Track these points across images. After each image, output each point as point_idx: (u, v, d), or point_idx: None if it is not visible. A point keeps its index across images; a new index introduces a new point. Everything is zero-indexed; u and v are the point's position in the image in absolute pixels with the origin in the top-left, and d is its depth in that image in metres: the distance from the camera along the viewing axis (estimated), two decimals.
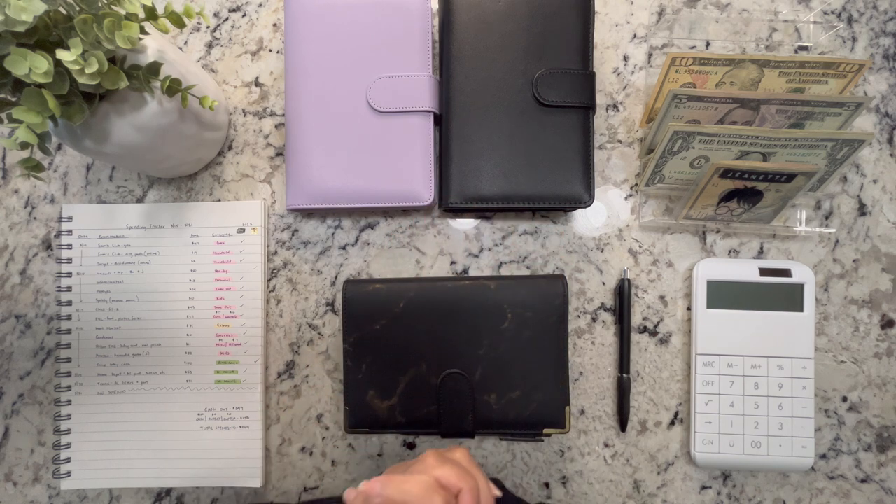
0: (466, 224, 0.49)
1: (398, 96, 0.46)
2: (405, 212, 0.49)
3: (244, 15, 0.51)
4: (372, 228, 0.49)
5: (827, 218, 0.48)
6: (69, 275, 0.49)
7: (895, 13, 0.49)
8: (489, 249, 0.49)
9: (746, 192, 0.43)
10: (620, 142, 0.49)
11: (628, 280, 0.48)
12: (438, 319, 0.44)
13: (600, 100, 0.49)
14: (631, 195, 0.49)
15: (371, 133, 0.46)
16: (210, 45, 0.51)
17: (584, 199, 0.45)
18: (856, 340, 0.48)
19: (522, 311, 0.44)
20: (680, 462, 0.47)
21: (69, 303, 0.49)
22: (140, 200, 0.50)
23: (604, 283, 0.48)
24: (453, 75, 0.46)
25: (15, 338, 0.50)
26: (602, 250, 0.49)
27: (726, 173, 0.41)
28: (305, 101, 0.47)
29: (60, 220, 0.49)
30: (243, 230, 0.49)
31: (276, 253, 0.49)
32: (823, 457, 0.47)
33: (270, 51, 0.51)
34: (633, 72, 0.50)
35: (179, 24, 0.37)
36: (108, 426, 0.48)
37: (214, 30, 0.51)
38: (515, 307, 0.44)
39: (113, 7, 0.34)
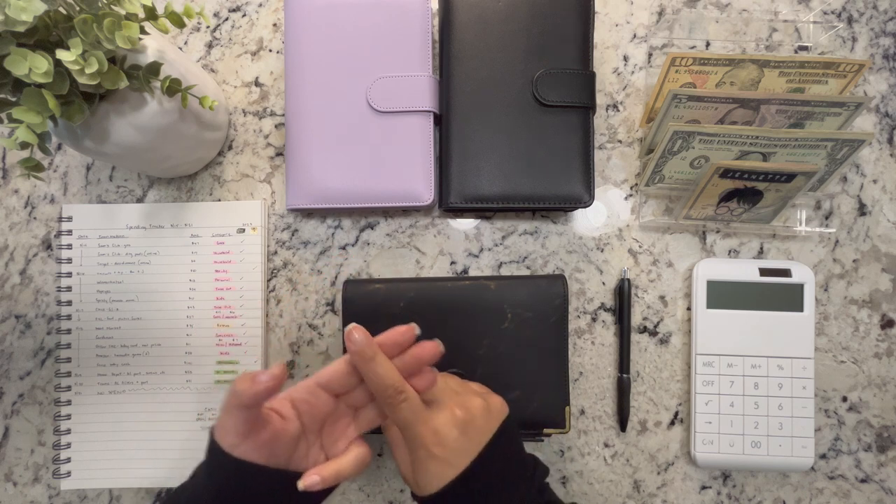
0: (466, 224, 0.49)
1: (398, 96, 0.46)
2: (405, 212, 0.49)
3: (244, 15, 0.51)
4: (372, 228, 0.49)
5: (827, 218, 0.48)
6: (69, 275, 0.49)
7: (895, 13, 0.49)
8: (489, 249, 0.49)
9: (746, 192, 0.43)
10: (620, 142, 0.49)
11: (628, 280, 0.48)
12: (438, 319, 0.44)
13: (600, 100, 0.49)
14: (631, 195, 0.49)
15: (371, 133, 0.46)
16: (210, 45, 0.51)
17: (584, 199, 0.45)
18: (856, 340, 0.47)
19: (522, 311, 0.44)
20: (680, 462, 0.47)
21: (69, 303, 0.49)
22: (140, 200, 0.50)
23: (604, 283, 0.48)
24: (453, 75, 0.46)
25: (15, 338, 0.50)
26: (602, 250, 0.49)
27: (726, 173, 0.41)
28: (305, 101, 0.47)
29: (60, 220, 0.49)
30: (243, 230, 0.49)
31: (276, 253, 0.49)
32: (823, 457, 0.47)
33: (270, 51, 0.51)
34: (633, 72, 0.50)
35: (179, 24, 0.37)
36: (108, 426, 0.48)
37: (214, 30, 0.51)
38: (515, 307, 0.44)
39: (113, 7, 0.34)
